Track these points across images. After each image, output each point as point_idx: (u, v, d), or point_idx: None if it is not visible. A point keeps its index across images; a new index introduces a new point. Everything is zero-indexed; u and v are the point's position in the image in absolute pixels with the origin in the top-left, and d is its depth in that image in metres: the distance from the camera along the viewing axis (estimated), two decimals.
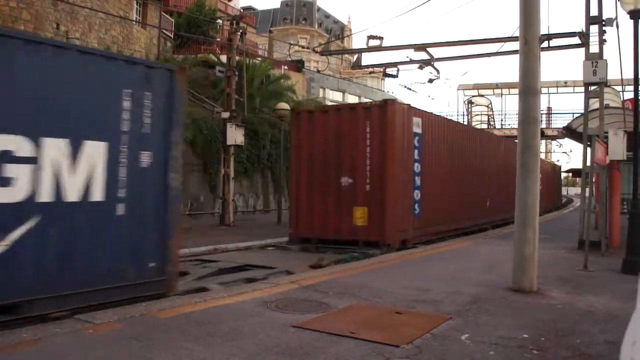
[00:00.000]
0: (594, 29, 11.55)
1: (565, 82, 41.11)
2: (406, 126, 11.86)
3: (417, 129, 12.32)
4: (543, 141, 44.81)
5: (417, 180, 12.32)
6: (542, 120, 26.81)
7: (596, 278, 8.09)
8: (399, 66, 17.21)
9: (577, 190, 41.92)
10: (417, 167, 12.32)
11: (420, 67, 16.66)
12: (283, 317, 5.26)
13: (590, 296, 6.69)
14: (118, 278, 5.80)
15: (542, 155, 54.41)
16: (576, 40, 12.24)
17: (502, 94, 43.18)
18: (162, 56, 27.73)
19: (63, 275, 5.34)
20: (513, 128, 34.44)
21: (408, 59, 16.80)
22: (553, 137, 41.58)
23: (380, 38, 15.73)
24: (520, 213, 7.08)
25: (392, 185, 11.30)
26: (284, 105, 21.59)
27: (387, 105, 11.60)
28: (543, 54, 8.91)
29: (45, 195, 5.18)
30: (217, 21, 30.45)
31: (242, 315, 5.31)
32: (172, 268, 6.39)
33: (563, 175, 52.68)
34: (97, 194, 5.62)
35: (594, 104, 12.30)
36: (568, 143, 48.04)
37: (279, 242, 12.88)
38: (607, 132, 11.24)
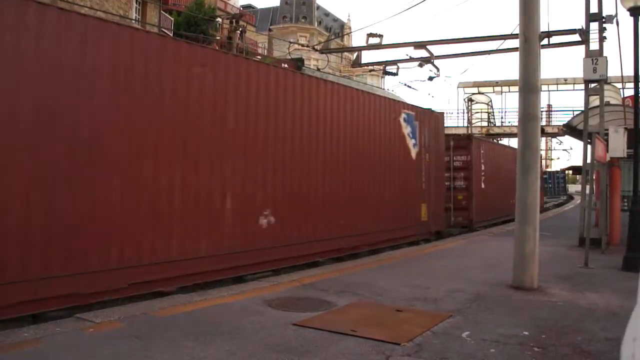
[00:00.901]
0: (594, 26, 11.52)
1: (566, 80, 41.10)
2: None
3: None
4: (543, 139, 44.81)
5: None
6: (542, 118, 26.49)
7: (597, 275, 8.09)
8: (398, 64, 17.17)
9: (577, 187, 41.18)
10: None
11: (420, 65, 16.62)
12: (284, 316, 5.26)
13: (590, 293, 6.69)
14: None
15: (542, 153, 54.21)
16: (576, 37, 12.20)
17: (502, 92, 43.19)
18: None
19: None
20: (513, 126, 34.45)
21: (408, 57, 16.77)
22: (553, 135, 41.56)
23: (380, 36, 15.68)
24: (520, 211, 7.08)
25: None
26: None
27: None
28: (543, 52, 8.88)
29: None
30: (217, 20, 30.42)
31: (243, 314, 5.31)
32: None
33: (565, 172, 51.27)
34: None
35: (594, 101, 12.28)
36: (568, 140, 48.21)
37: None
38: (607, 130, 11.22)
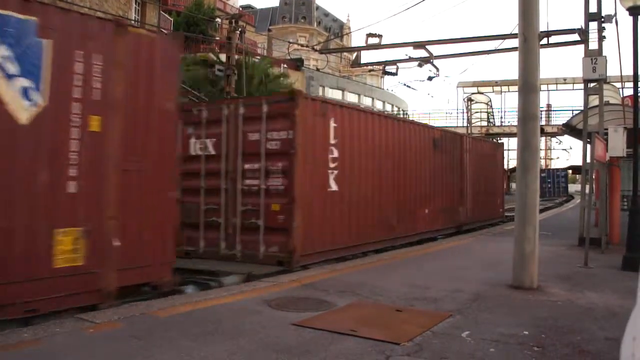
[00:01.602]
0: (593, 25, 11.53)
1: (565, 79, 41.22)
2: None
3: None
4: (543, 138, 44.82)
5: None
6: (541, 117, 26.36)
7: (596, 275, 8.09)
8: (398, 64, 17.21)
9: (577, 187, 40.62)
10: None
11: (420, 65, 16.64)
12: (284, 316, 5.26)
13: (590, 293, 6.69)
14: None
15: (542, 153, 53.99)
16: (575, 37, 12.21)
17: (501, 92, 43.32)
18: None
19: None
20: (513, 126, 34.48)
21: (407, 57, 16.80)
22: (553, 134, 41.68)
23: (380, 36, 15.70)
24: (520, 210, 7.08)
25: None
26: None
27: None
28: (542, 51, 8.91)
29: None
30: (216, 20, 30.47)
31: (243, 314, 5.31)
32: None
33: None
34: None
35: (594, 100, 12.29)
36: (568, 140, 48.18)
37: None
38: (606, 129, 11.23)
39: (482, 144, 19.09)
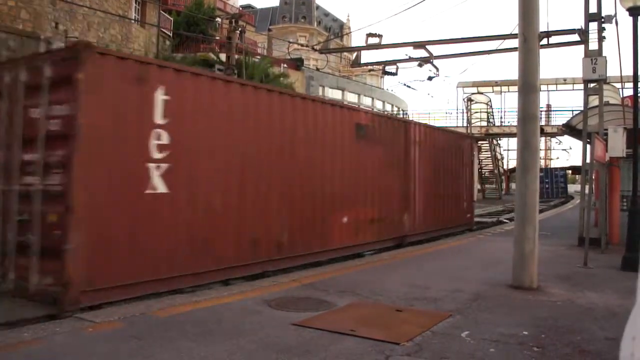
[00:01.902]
0: (593, 26, 11.52)
1: (565, 80, 41.25)
2: None
3: None
4: (543, 138, 44.82)
5: None
6: (541, 118, 26.34)
7: (596, 275, 8.10)
8: (398, 64, 17.19)
9: (577, 187, 40.30)
10: None
11: (420, 65, 16.62)
12: (284, 316, 5.26)
13: (590, 293, 6.70)
14: None
15: (542, 153, 53.94)
16: (575, 37, 12.20)
17: (501, 92, 43.33)
18: (161, 55, 27.74)
19: None
20: (512, 126, 34.49)
21: (407, 57, 16.79)
22: (553, 135, 41.64)
23: (380, 36, 15.69)
24: (520, 210, 7.09)
25: None
26: None
27: None
28: (542, 51, 8.91)
29: None
30: (216, 20, 30.49)
31: (243, 314, 5.32)
32: None
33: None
34: None
35: (594, 101, 12.29)
36: (568, 140, 48.09)
37: None
38: (606, 129, 11.23)
39: (442, 134, 14.93)
